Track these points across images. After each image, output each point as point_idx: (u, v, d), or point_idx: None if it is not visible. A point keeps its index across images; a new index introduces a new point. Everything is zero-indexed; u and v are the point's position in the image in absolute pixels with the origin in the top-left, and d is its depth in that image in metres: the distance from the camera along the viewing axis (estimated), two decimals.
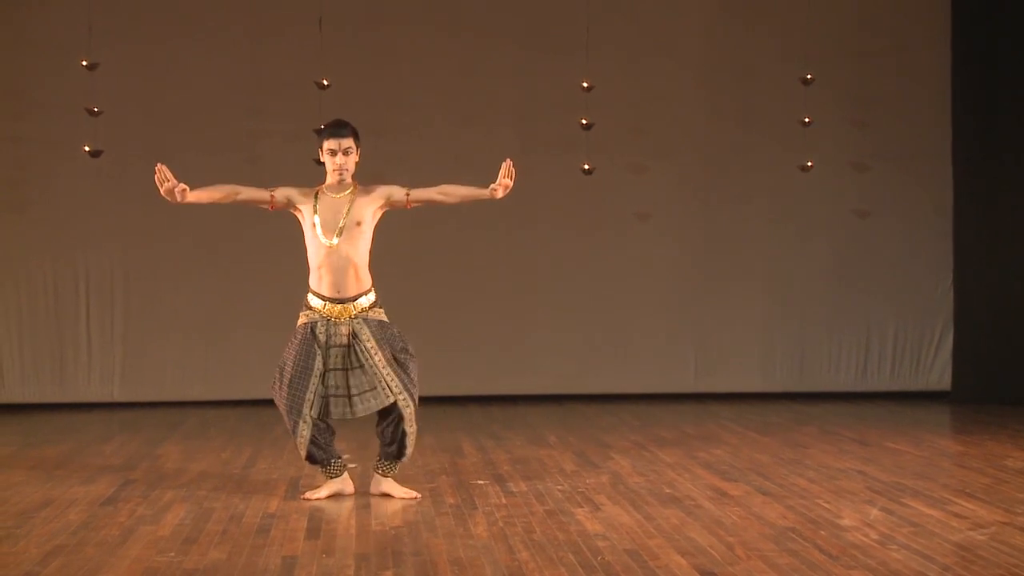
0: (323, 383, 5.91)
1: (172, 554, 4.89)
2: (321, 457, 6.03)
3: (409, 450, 6.03)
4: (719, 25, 10.32)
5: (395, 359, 5.95)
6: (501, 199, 6.11)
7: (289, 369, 5.94)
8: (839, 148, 10.30)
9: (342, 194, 6.00)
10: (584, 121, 9.36)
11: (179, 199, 5.87)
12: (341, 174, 5.97)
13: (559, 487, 6.29)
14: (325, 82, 8.98)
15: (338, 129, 6.01)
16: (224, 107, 9.97)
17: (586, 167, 9.52)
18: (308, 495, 6.03)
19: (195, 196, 5.95)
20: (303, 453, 6.01)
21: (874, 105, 10.40)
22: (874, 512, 5.60)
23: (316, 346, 5.93)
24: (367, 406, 5.90)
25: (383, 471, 6.08)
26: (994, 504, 5.75)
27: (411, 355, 6.02)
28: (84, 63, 8.69)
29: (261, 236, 10.06)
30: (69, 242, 9.87)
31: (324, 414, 5.94)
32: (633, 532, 5.23)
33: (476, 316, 10.13)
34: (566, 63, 9.73)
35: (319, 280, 6.00)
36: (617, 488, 6.24)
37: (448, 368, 9.96)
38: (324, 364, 5.91)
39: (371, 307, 6.04)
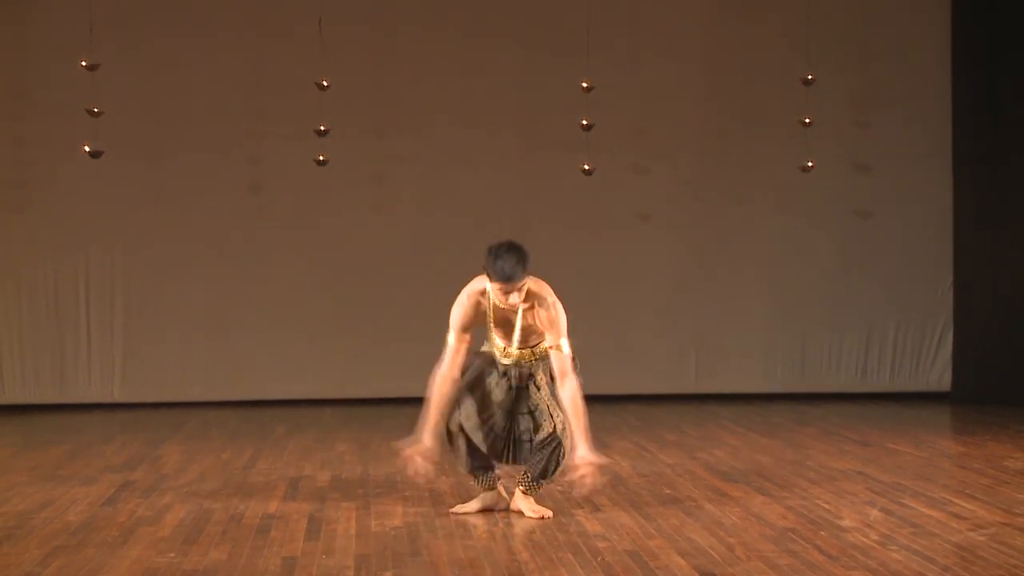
0: (501, 418, 5.59)
1: (172, 555, 4.89)
2: (475, 466, 5.67)
3: (547, 481, 5.66)
4: (720, 26, 10.32)
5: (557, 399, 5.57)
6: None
7: (467, 375, 5.64)
8: (840, 149, 10.29)
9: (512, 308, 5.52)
10: (585, 122, 9.35)
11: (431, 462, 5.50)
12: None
13: (559, 488, 6.27)
14: (325, 83, 8.99)
15: (512, 279, 5.37)
16: (224, 108, 9.97)
17: (587, 167, 9.51)
18: (456, 509, 5.70)
19: (435, 427, 5.53)
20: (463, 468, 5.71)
21: (875, 106, 10.40)
22: (874, 513, 5.59)
23: (495, 371, 5.63)
24: (528, 453, 5.59)
25: (527, 489, 5.63)
26: (994, 505, 5.75)
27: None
28: (84, 64, 8.69)
29: (261, 237, 10.07)
30: (70, 243, 9.87)
31: (492, 452, 5.62)
32: (633, 533, 5.23)
33: None
34: (567, 63, 9.72)
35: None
36: (617, 489, 6.24)
37: None
38: (502, 397, 5.59)
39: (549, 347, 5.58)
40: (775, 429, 8.52)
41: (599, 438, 7.99)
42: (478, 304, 5.58)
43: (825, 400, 10.15)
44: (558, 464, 5.57)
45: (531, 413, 5.61)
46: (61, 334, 9.88)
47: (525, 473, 5.64)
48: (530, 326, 5.53)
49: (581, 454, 5.36)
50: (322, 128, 9.14)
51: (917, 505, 5.76)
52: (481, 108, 10.16)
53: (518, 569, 4.65)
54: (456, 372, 5.56)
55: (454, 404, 5.58)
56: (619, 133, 10.09)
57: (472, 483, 5.79)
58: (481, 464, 5.67)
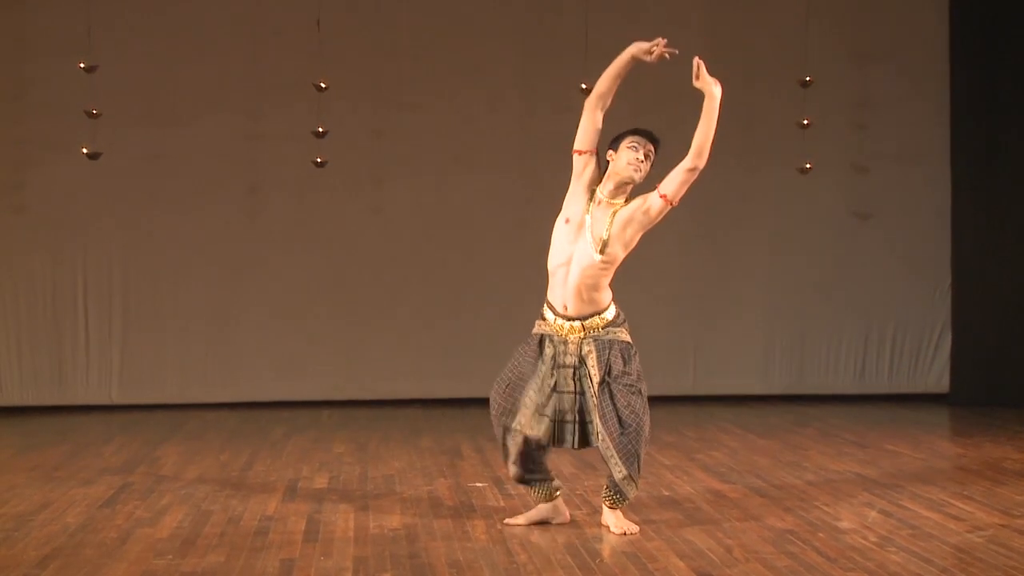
0: (553, 402, 5.31)
1: (170, 556, 4.89)
2: (529, 477, 5.41)
3: (627, 491, 5.28)
4: (717, 27, 10.31)
5: (610, 390, 5.28)
6: None
7: (508, 373, 5.41)
8: (838, 151, 10.29)
9: (612, 202, 5.37)
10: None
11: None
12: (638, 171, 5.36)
13: (557, 490, 6.28)
14: (323, 84, 8.99)
15: (652, 137, 5.52)
16: (222, 109, 9.96)
17: None
18: (510, 520, 5.46)
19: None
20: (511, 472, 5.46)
21: (873, 107, 10.40)
22: (872, 514, 5.60)
23: (541, 361, 5.35)
24: (574, 438, 5.33)
25: (611, 502, 5.33)
26: (992, 506, 5.75)
27: (632, 386, 5.31)
28: (82, 65, 8.69)
29: (260, 238, 10.07)
30: (68, 244, 9.86)
31: (556, 440, 5.35)
32: (632, 535, 5.23)
33: (476, 319, 10.12)
34: (565, 65, 9.70)
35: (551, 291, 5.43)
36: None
37: (448, 371, 9.98)
38: (554, 384, 5.31)
39: (606, 325, 5.39)
40: (773, 431, 8.52)
41: None
42: (596, 165, 5.40)
43: (823, 402, 10.15)
44: (618, 484, 5.25)
45: (583, 394, 5.30)
46: (59, 335, 9.87)
47: (606, 486, 5.35)
48: (626, 227, 5.30)
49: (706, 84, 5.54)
50: (320, 129, 9.14)
51: (915, 507, 5.76)
52: (480, 109, 10.15)
53: (516, 571, 4.66)
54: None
55: (507, 404, 5.36)
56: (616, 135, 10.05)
57: (529, 493, 5.56)
58: (537, 474, 5.41)
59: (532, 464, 5.40)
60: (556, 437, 5.35)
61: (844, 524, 5.39)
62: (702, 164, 5.40)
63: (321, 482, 6.59)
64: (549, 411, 5.33)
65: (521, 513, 5.58)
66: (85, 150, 8.89)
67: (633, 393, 5.27)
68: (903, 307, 10.40)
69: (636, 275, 10.39)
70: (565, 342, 5.34)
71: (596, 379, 5.28)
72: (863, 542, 5.04)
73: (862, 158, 10.41)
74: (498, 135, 10.18)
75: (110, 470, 6.99)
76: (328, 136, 9.19)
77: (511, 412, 5.36)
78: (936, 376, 10.40)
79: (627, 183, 5.39)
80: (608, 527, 5.32)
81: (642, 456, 5.28)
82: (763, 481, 6.47)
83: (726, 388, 10.34)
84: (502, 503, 5.94)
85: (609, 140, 5.45)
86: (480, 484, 6.45)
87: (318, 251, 10.09)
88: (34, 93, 9.78)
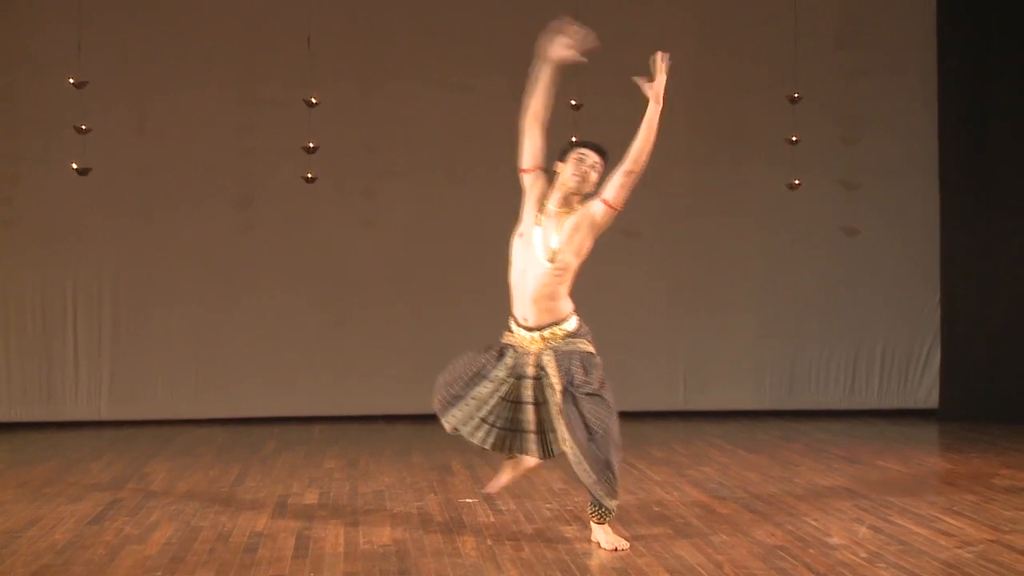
0: (500, 412, 5.39)
1: (159, 573, 4.87)
2: (506, 440, 5.46)
3: (606, 501, 5.26)
4: (707, 44, 10.36)
5: (575, 398, 5.28)
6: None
7: (458, 370, 5.51)
8: (827, 166, 10.33)
9: (561, 212, 5.47)
10: (574, 139, 9.31)
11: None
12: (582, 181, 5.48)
13: (548, 505, 6.28)
14: (314, 100, 9.00)
15: (599, 148, 5.66)
16: (213, 125, 9.98)
17: None
18: (489, 487, 5.74)
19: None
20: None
21: (862, 123, 10.45)
22: (862, 530, 5.60)
23: (501, 365, 5.41)
24: (530, 448, 5.41)
25: (598, 518, 5.34)
26: (982, 522, 5.76)
27: (595, 395, 5.31)
28: (72, 81, 8.70)
29: (250, 254, 10.07)
30: (57, 260, 9.85)
31: (518, 449, 5.45)
32: (622, 551, 5.23)
33: (468, 334, 10.07)
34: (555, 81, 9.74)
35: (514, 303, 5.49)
36: None
37: None
38: (505, 393, 5.37)
39: (566, 336, 5.46)
40: (763, 446, 8.53)
41: None
42: (544, 180, 5.56)
43: (813, 417, 10.17)
44: (593, 493, 5.25)
45: (545, 404, 5.33)
46: (48, 351, 9.85)
47: (589, 502, 5.34)
48: (574, 234, 5.42)
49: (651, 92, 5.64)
50: (311, 145, 9.15)
51: (905, 522, 5.77)
52: (471, 124, 10.16)
53: None
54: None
55: (448, 398, 5.48)
56: (608, 150, 10.07)
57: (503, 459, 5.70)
58: (511, 438, 5.46)
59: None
60: (518, 447, 5.46)
61: (834, 539, 5.40)
62: (639, 169, 5.55)
63: (311, 498, 6.58)
64: (492, 419, 5.42)
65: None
66: (75, 166, 8.90)
67: (597, 400, 5.29)
68: (892, 323, 10.42)
69: (627, 290, 10.44)
70: (527, 353, 5.40)
71: (558, 388, 5.31)
72: (853, 558, 5.04)
73: (851, 174, 10.44)
74: (489, 149, 10.18)
75: (99, 486, 6.96)
76: (319, 151, 9.21)
77: (451, 404, 5.48)
78: (925, 392, 10.42)
79: (573, 194, 5.51)
80: (598, 543, 5.31)
81: (616, 463, 5.28)
82: (753, 496, 6.48)
83: (716, 404, 10.35)
84: (492, 519, 5.94)
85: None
86: (470, 500, 6.44)
87: (309, 266, 10.09)
88: (24, 108, 9.79)
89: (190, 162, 9.93)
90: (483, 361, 5.47)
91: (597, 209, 5.49)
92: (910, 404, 10.44)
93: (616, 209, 5.51)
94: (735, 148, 10.34)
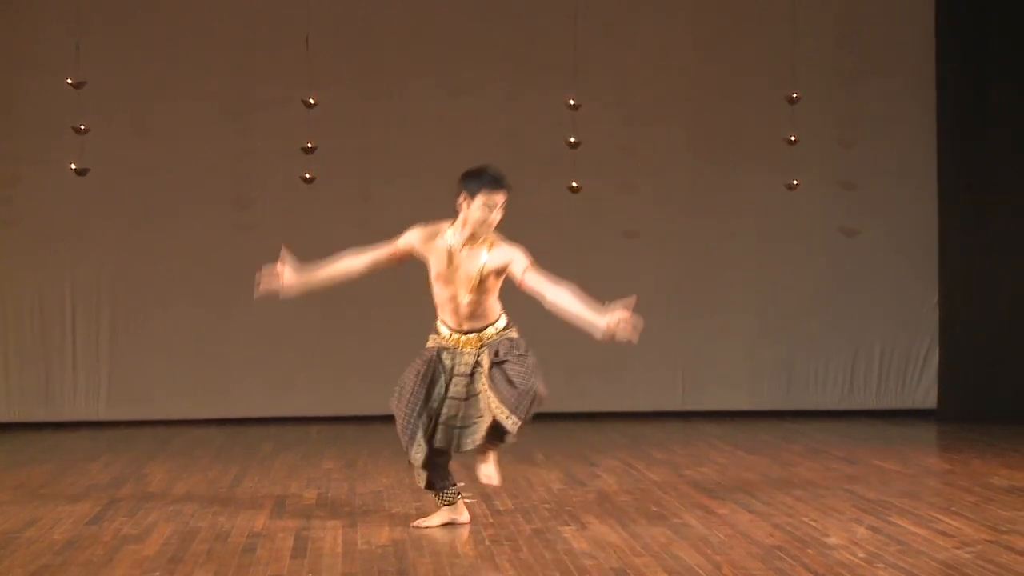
0: (445, 410, 5.60)
1: (157, 574, 4.87)
2: (436, 483, 5.70)
3: (510, 438, 5.58)
4: (705, 45, 10.36)
5: (500, 367, 5.50)
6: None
7: (408, 385, 5.64)
8: (825, 167, 10.33)
9: (472, 247, 5.57)
10: (572, 140, 9.38)
11: (284, 286, 5.61)
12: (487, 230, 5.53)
13: (546, 505, 6.28)
14: (312, 101, 9.00)
15: (502, 184, 5.52)
16: (211, 125, 9.97)
17: (574, 185, 9.53)
18: (419, 523, 5.74)
19: (304, 280, 5.66)
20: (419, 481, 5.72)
21: (860, 124, 10.44)
22: (861, 530, 5.60)
23: (440, 371, 5.63)
24: (473, 439, 5.59)
25: (490, 446, 5.67)
26: (980, 522, 5.76)
27: (521, 355, 5.53)
28: (71, 82, 8.69)
29: (248, 254, 10.02)
30: (55, 260, 9.85)
31: (455, 447, 5.65)
32: (620, 551, 5.23)
33: None
34: (553, 82, 9.75)
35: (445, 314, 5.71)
36: (604, 506, 6.23)
37: None
38: (445, 390, 5.60)
39: (499, 333, 5.65)
40: (761, 446, 8.53)
41: (586, 455, 8.04)
42: (436, 237, 5.66)
43: (811, 418, 10.17)
44: (519, 414, 5.46)
45: (470, 398, 5.58)
46: (46, 351, 9.85)
47: (491, 431, 5.57)
48: (488, 280, 5.54)
49: (606, 318, 5.29)
50: (309, 145, 9.15)
51: (903, 523, 5.77)
52: (468, 126, 10.16)
53: None
54: (368, 258, 5.75)
55: (410, 415, 5.58)
56: (606, 151, 10.10)
57: (435, 499, 5.81)
58: (444, 480, 5.72)
59: (438, 471, 5.69)
60: (455, 444, 5.63)
61: (832, 540, 5.40)
62: (528, 288, 5.53)
63: (309, 498, 6.57)
64: (444, 418, 5.59)
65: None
66: (73, 166, 8.90)
67: (521, 360, 5.50)
68: (891, 323, 10.42)
69: (625, 291, 10.39)
70: (462, 352, 5.62)
71: (487, 366, 5.54)
72: (851, 558, 5.04)
73: (850, 175, 10.44)
74: (486, 152, 10.14)
75: (97, 487, 6.96)
76: (316, 152, 9.20)
77: (415, 423, 5.58)
78: (924, 392, 10.42)
79: (482, 233, 5.58)
80: (485, 477, 5.68)
81: (531, 411, 5.46)
82: (752, 497, 6.47)
83: (715, 404, 10.35)
84: (490, 519, 5.94)
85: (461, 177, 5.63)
86: (468, 500, 6.44)
87: (307, 266, 10.06)
88: (22, 108, 9.79)
89: (189, 162, 9.93)
90: (426, 372, 5.64)
91: (513, 268, 5.54)
92: (908, 404, 10.44)
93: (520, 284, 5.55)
94: (733, 149, 10.33)
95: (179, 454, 8.29)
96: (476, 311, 5.61)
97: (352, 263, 5.73)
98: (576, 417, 10.04)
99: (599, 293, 10.43)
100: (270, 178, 9.98)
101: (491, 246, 5.57)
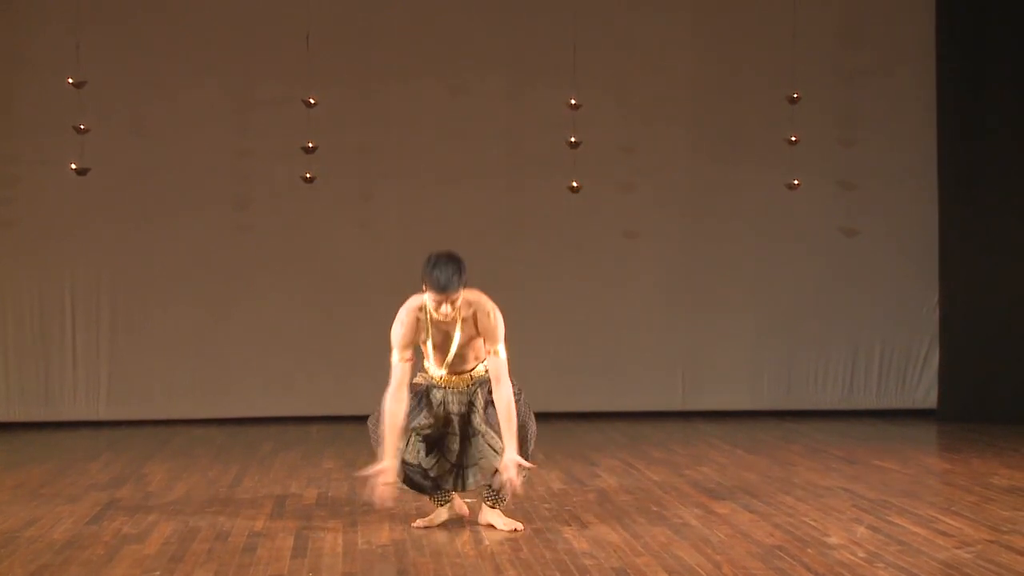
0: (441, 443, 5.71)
1: (157, 573, 4.87)
2: (426, 487, 5.75)
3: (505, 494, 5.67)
4: (705, 44, 10.36)
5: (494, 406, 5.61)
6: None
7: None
8: (826, 167, 10.33)
9: (447, 319, 5.57)
10: (572, 139, 9.38)
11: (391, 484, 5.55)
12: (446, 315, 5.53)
13: (546, 505, 6.28)
14: (312, 100, 9.00)
15: (447, 289, 5.45)
16: (211, 125, 9.98)
17: (574, 185, 9.53)
18: (419, 523, 5.76)
19: (393, 448, 5.56)
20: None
21: (860, 124, 10.45)
22: (861, 530, 5.60)
23: (430, 399, 5.72)
24: (476, 479, 5.69)
25: (491, 502, 5.72)
26: (980, 522, 5.76)
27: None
28: (71, 81, 8.69)
29: (248, 254, 10.06)
30: (56, 260, 9.85)
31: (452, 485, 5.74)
32: (620, 550, 5.23)
33: None
34: (553, 81, 9.75)
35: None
36: (604, 506, 6.23)
37: None
38: (440, 425, 5.68)
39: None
40: (761, 446, 8.53)
41: (586, 455, 8.04)
42: (417, 320, 5.65)
43: (811, 417, 10.17)
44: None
45: (471, 439, 5.69)
46: (46, 351, 9.85)
47: (488, 487, 5.69)
48: (469, 341, 5.61)
49: (509, 456, 5.45)
50: (309, 145, 9.15)
51: (903, 522, 5.77)
52: (468, 126, 10.17)
53: None
54: (404, 391, 5.60)
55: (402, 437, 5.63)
56: (606, 151, 10.11)
57: (430, 501, 5.83)
58: (431, 485, 5.74)
59: (417, 485, 5.72)
60: (460, 483, 5.73)
61: (832, 540, 5.40)
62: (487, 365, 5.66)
63: (309, 498, 6.57)
64: (444, 450, 5.70)
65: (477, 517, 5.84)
66: (74, 166, 8.90)
67: (514, 400, 5.58)
68: (891, 323, 10.42)
69: (625, 290, 10.44)
70: (455, 391, 5.72)
71: (480, 406, 5.66)
72: (851, 558, 5.04)
73: (850, 174, 10.44)
74: (486, 151, 10.20)
75: (97, 486, 6.96)
76: (316, 152, 9.20)
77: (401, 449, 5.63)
78: (924, 392, 10.42)
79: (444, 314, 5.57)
80: (493, 526, 5.64)
81: (529, 449, 5.62)
82: (752, 497, 6.47)
83: (715, 404, 10.35)
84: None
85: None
86: (468, 500, 6.44)
87: (306, 266, 10.09)
88: (23, 109, 9.79)
89: (188, 162, 9.93)
90: (414, 400, 5.68)
91: (484, 342, 5.63)
92: (908, 404, 10.44)
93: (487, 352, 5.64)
94: (734, 148, 10.34)
95: (179, 454, 8.29)
96: (465, 359, 5.70)
97: (399, 406, 5.59)
98: (576, 417, 10.05)
99: (599, 293, 10.53)
100: (270, 178, 9.98)
101: (463, 321, 5.60)
